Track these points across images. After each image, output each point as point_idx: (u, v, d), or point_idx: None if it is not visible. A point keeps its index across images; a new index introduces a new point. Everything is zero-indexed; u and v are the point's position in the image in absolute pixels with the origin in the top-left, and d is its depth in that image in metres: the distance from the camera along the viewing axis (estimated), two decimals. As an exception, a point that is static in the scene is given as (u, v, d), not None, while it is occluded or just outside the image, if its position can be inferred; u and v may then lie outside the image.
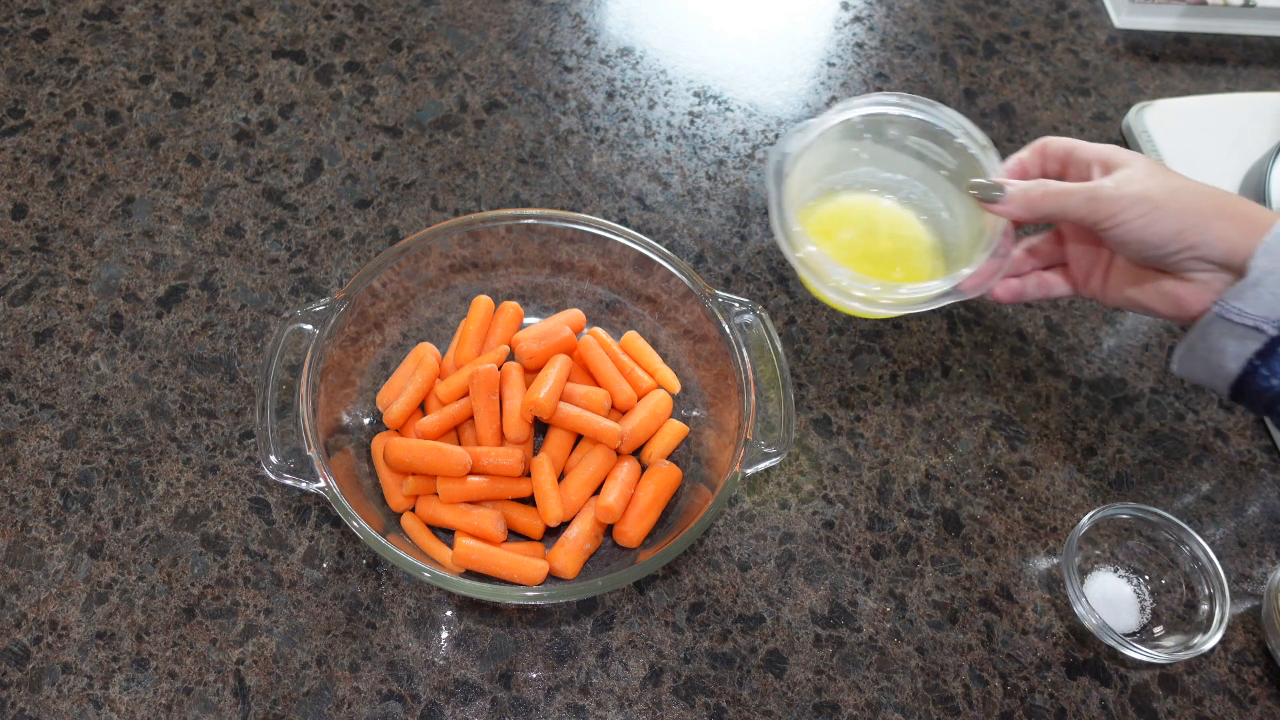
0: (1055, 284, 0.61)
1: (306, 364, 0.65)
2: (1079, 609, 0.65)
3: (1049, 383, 0.78)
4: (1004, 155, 0.90)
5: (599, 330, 0.73)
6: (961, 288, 0.60)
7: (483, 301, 0.74)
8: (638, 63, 0.94)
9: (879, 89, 0.94)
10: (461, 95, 0.90)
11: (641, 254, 0.71)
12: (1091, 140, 0.91)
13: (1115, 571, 0.69)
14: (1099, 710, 0.65)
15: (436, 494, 0.67)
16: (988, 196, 0.57)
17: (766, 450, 0.63)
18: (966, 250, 0.63)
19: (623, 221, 0.83)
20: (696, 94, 0.92)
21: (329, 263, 0.79)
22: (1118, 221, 0.52)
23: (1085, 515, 0.67)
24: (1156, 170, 0.52)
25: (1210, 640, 0.63)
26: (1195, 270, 0.51)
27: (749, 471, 0.62)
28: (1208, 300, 0.51)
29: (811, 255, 0.61)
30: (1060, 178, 0.58)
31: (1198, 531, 0.68)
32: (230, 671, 0.63)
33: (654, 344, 0.74)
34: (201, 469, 0.70)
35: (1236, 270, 0.49)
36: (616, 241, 0.72)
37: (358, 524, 0.60)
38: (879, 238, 0.66)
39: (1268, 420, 0.52)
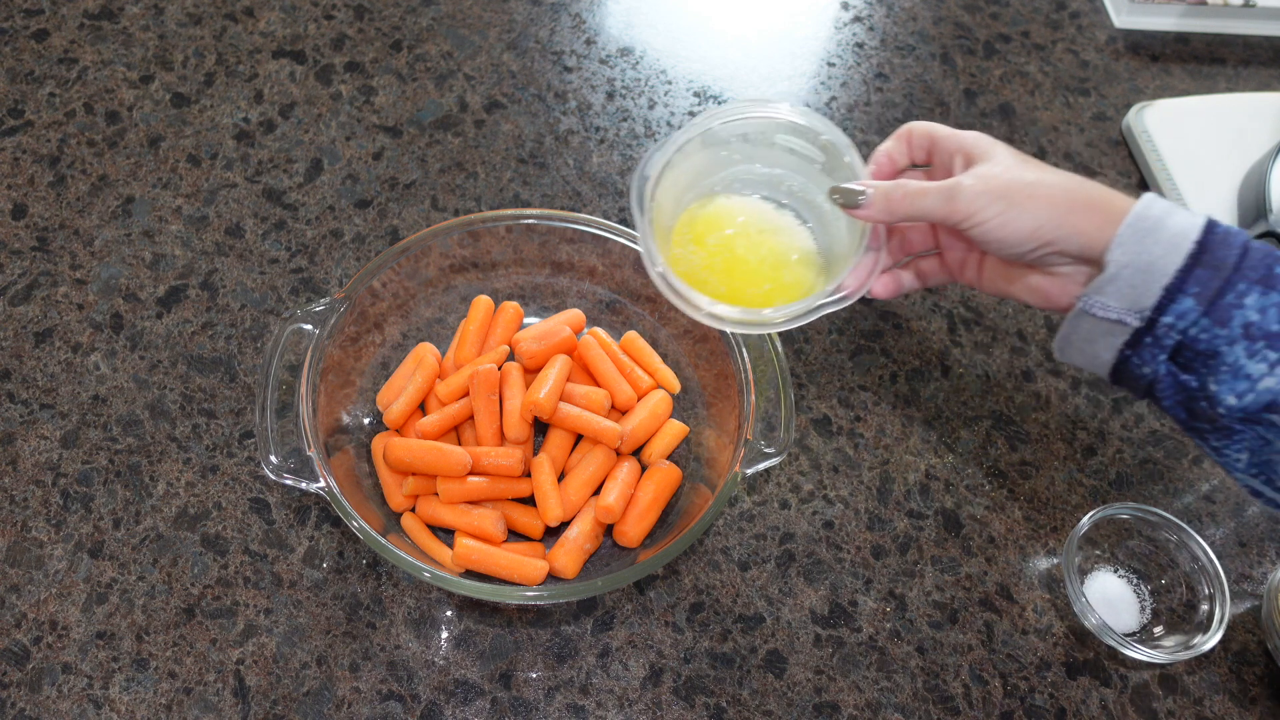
0: (932, 273, 0.59)
1: (306, 364, 0.65)
2: (1079, 609, 0.65)
3: (1049, 383, 0.78)
4: (1004, 155, 0.91)
5: (599, 330, 0.73)
6: (840, 293, 0.57)
7: (483, 301, 0.74)
8: (638, 63, 0.94)
9: (879, 89, 0.94)
10: (461, 95, 0.90)
11: (642, 254, 0.71)
12: (1091, 140, 0.91)
13: (1115, 571, 0.69)
14: (1099, 710, 0.65)
15: (436, 494, 0.67)
16: (850, 202, 0.55)
17: (766, 450, 0.63)
18: (846, 243, 0.60)
19: (623, 221, 0.83)
20: (696, 94, 0.92)
21: (329, 263, 0.79)
22: (975, 222, 0.50)
23: (1085, 515, 0.67)
24: (1015, 164, 0.50)
25: (1210, 640, 0.63)
26: (1057, 265, 0.51)
27: (749, 471, 0.62)
28: (1073, 293, 0.51)
29: (665, 276, 0.58)
30: (928, 165, 0.57)
31: (1198, 531, 0.68)
32: (230, 671, 0.63)
33: (654, 344, 0.74)
34: (201, 469, 0.70)
35: (1096, 263, 0.48)
36: (616, 241, 0.72)
37: (358, 524, 0.60)
38: (752, 245, 0.61)
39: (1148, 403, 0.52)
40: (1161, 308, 0.45)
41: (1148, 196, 0.47)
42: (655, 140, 0.88)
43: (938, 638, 0.67)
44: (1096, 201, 0.48)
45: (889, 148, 0.56)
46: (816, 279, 0.59)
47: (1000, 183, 0.49)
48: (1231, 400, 0.44)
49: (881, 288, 0.57)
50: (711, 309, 0.57)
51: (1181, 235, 0.45)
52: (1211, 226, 0.45)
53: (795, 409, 0.68)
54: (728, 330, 0.61)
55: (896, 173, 0.57)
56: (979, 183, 0.50)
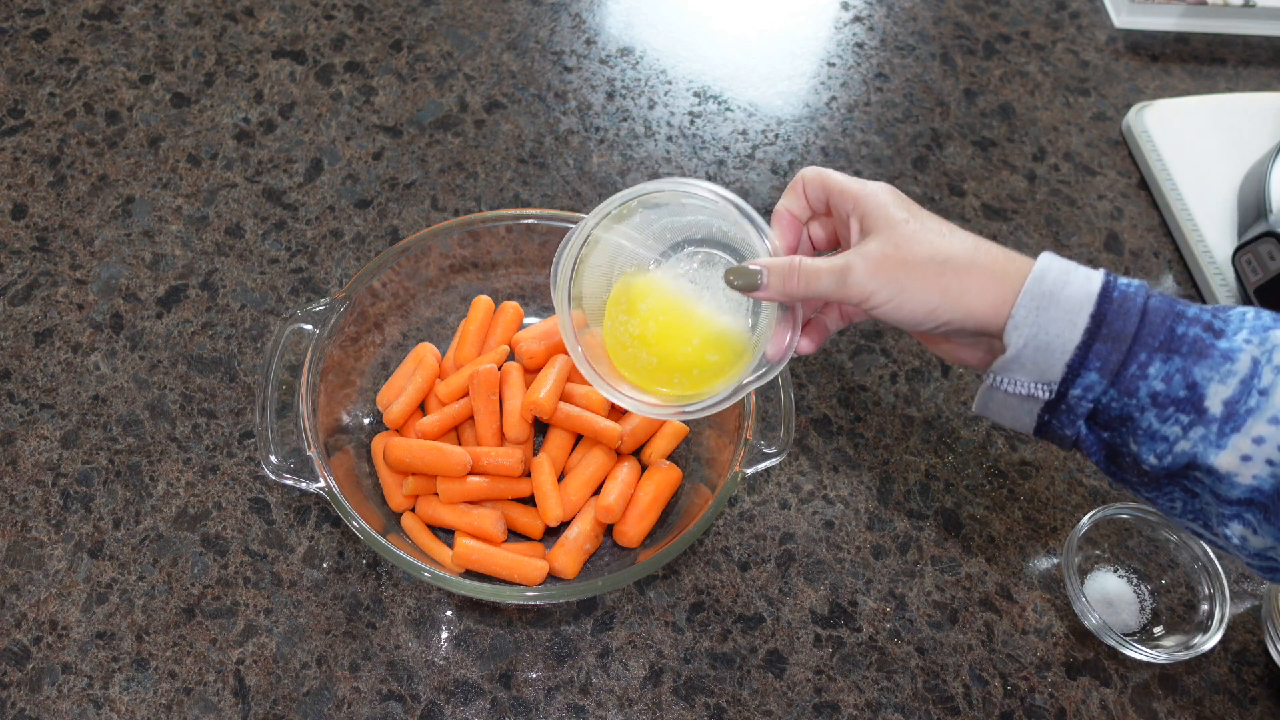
0: (854, 313, 0.55)
1: (306, 364, 0.65)
2: (1079, 609, 0.65)
3: (1049, 383, 0.77)
4: (1004, 155, 0.91)
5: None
6: (763, 369, 0.54)
7: (483, 301, 0.74)
8: (638, 63, 0.94)
9: (879, 89, 0.94)
10: (461, 95, 0.90)
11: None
12: (1091, 140, 0.91)
13: (1115, 571, 0.69)
14: (1099, 710, 0.65)
15: (436, 494, 0.67)
16: (749, 284, 0.51)
17: (766, 450, 0.63)
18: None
19: (623, 221, 0.83)
20: (696, 94, 0.92)
21: (329, 263, 0.79)
22: (870, 305, 0.48)
23: (1085, 515, 0.67)
24: (907, 236, 0.47)
25: (1210, 640, 0.63)
26: (959, 338, 0.50)
27: (749, 471, 0.62)
28: (982, 358, 0.50)
29: (581, 358, 0.57)
30: (829, 216, 0.54)
31: (1198, 531, 0.68)
32: (230, 671, 0.63)
33: (654, 344, 0.74)
34: (201, 469, 0.70)
35: (997, 333, 0.46)
36: (616, 241, 0.72)
37: (358, 524, 0.60)
38: (680, 311, 0.58)
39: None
40: (1068, 381, 0.43)
41: (1042, 261, 0.44)
42: (655, 140, 0.88)
43: (938, 638, 0.67)
44: (992, 273, 0.45)
45: (787, 204, 0.53)
46: (745, 337, 0.57)
47: (890, 264, 0.47)
48: (1153, 460, 0.42)
49: (807, 343, 0.54)
50: (633, 399, 0.56)
51: (1077, 308, 0.43)
52: (1107, 293, 0.43)
53: (795, 409, 0.68)
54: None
55: (800, 230, 0.54)
56: (868, 265, 0.47)
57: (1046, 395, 0.44)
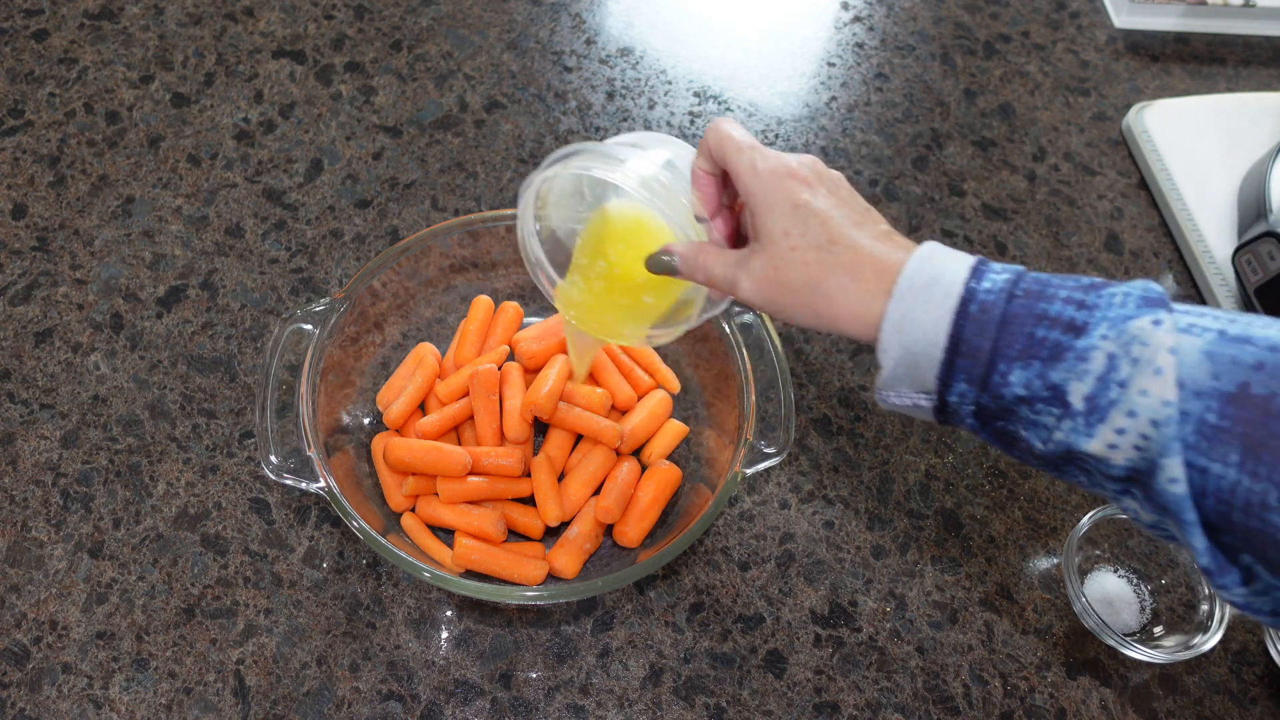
0: None
1: (306, 364, 0.65)
2: (1079, 609, 0.65)
3: (1049, 383, 0.77)
4: (1004, 155, 0.91)
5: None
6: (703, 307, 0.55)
7: (483, 301, 0.74)
8: (638, 63, 0.93)
9: (879, 89, 0.94)
10: (461, 95, 0.90)
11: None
12: (1091, 140, 0.91)
13: (1115, 571, 0.69)
14: (1099, 710, 0.65)
15: (436, 494, 0.67)
16: (667, 269, 0.53)
17: (766, 450, 0.63)
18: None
19: (623, 221, 0.83)
20: (696, 94, 0.92)
21: (329, 263, 0.79)
22: (763, 312, 0.51)
23: (1085, 515, 0.67)
24: (782, 259, 0.48)
25: (1210, 640, 0.63)
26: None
27: (749, 471, 0.62)
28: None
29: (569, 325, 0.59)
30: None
31: (1198, 531, 0.68)
32: (230, 671, 0.63)
33: (654, 344, 0.74)
34: (201, 469, 0.70)
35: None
36: (616, 241, 0.72)
37: (358, 524, 0.59)
38: (635, 255, 0.58)
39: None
40: (943, 391, 0.45)
41: (905, 274, 0.45)
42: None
43: (938, 638, 0.67)
44: (862, 295, 0.46)
45: (700, 164, 0.53)
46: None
47: (770, 285, 0.48)
48: (1040, 446, 0.43)
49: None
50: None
51: (935, 328, 0.44)
52: (964, 307, 0.43)
53: (795, 409, 0.68)
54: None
55: (718, 186, 0.53)
56: (751, 283, 0.49)
57: (931, 403, 0.46)
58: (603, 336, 0.60)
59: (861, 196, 0.50)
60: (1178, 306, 0.41)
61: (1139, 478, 0.42)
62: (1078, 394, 0.41)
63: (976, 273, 0.44)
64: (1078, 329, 0.41)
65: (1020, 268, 0.44)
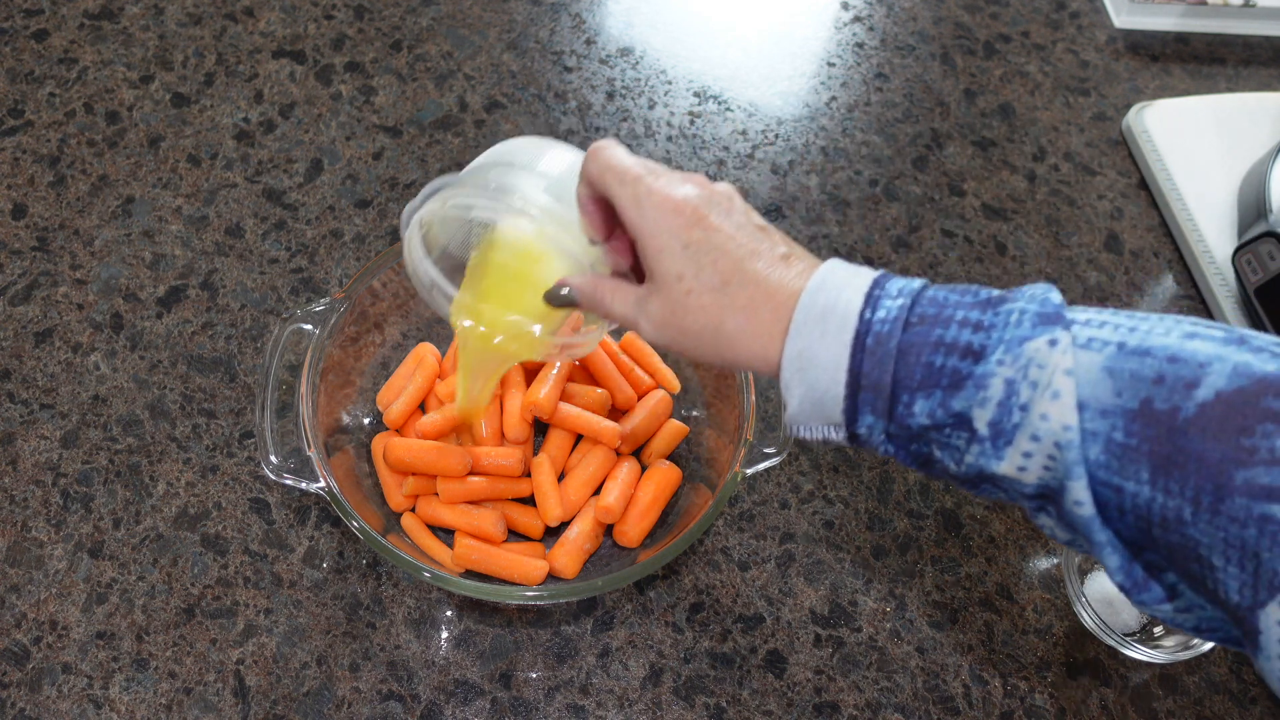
0: None
1: (306, 364, 0.65)
2: (1079, 609, 0.65)
3: (1049, 383, 0.77)
4: (1004, 155, 0.91)
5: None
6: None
7: (483, 301, 0.74)
8: (638, 63, 0.94)
9: (879, 89, 0.94)
10: (461, 95, 0.90)
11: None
12: (1091, 140, 0.91)
13: (1115, 571, 0.69)
14: (1099, 710, 0.65)
15: (436, 494, 0.67)
16: (566, 303, 0.51)
17: (766, 450, 0.63)
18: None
19: (623, 221, 0.83)
20: (696, 94, 0.92)
21: (329, 263, 0.79)
22: (668, 351, 0.49)
23: (1085, 515, 0.67)
24: (679, 303, 0.46)
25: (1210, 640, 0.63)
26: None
27: (749, 471, 0.62)
28: None
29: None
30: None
31: (1198, 531, 0.68)
32: (230, 671, 0.63)
33: (654, 344, 0.74)
34: (201, 469, 0.70)
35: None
36: (616, 241, 0.72)
37: (358, 524, 0.60)
38: (523, 278, 0.57)
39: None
40: (851, 424, 0.44)
41: (801, 306, 0.44)
42: (655, 140, 0.88)
43: (938, 638, 0.67)
44: (760, 334, 0.45)
45: (583, 190, 0.50)
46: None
47: (670, 329, 0.47)
48: (954, 467, 0.43)
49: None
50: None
51: (834, 364, 0.43)
52: (860, 340, 0.42)
53: (795, 409, 0.68)
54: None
55: (607, 210, 0.51)
56: (651, 326, 0.48)
57: (841, 436, 0.45)
58: (510, 345, 0.57)
59: (755, 211, 0.48)
60: (1078, 315, 0.41)
61: (1051, 495, 0.41)
62: (981, 420, 0.40)
63: (871, 299, 0.43)
64: (975, 354, 0.41)
65: (920, 283, 0.43)
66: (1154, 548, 0.39)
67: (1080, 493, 0.39)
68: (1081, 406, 0.39)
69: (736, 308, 0.45)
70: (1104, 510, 0.39)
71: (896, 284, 0.43)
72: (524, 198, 0.51)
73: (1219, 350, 0.37)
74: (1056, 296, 0.41)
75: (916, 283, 0.43)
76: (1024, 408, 0.39)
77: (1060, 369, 0.39)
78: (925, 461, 0.44)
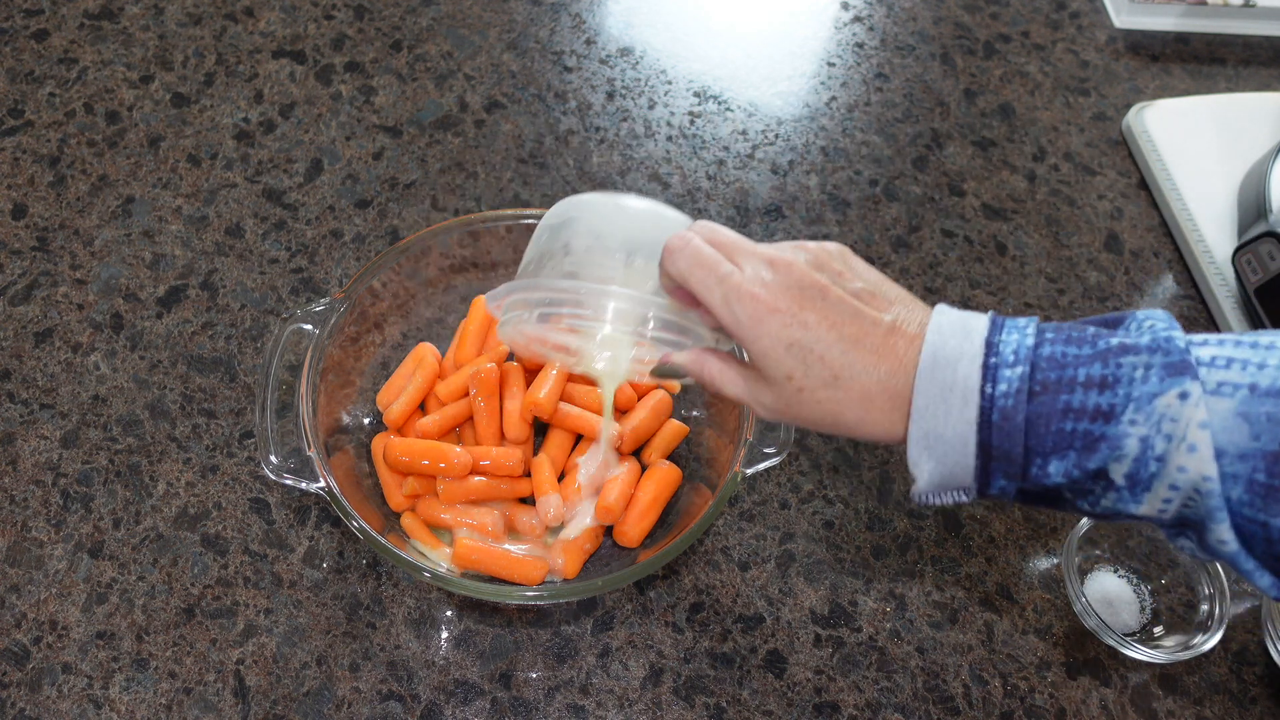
0: None
1: (306, 364, 0.65)
2: (1079, 609, 0.65)
3: (1049, 383, 0.77)
4: (1004, 155, 0.91)
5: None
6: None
7: (483, 301, 0.74)
8: (638, 63, 0.94)
9: (879, 89, 0.94)
10: (461, 95, 0.90)
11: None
12: (1091, 140, 0.91)
13: (1115, 571, 0.69)
14: (1099, 710, 0.65)
15: (436, 494, 0.67)
16: (672, 374, 0.51)
17: (766, 450, 0.63)
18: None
19: (623, 221, 0.83)
20: (696, 94, 0.92)
21: (329, 263, 0.79)
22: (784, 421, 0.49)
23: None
24: (793, 399, 0.46)
25: (1210, 640, 0.63)
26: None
27: (749, 471, 0.62)
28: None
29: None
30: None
31: (1198, 531, 0.68)
32: (230, 671, 0.63)
33: (654, 344, 0.74)
34: (201, 469, 0.70)
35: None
36: (616, 241, 0.72)
37: (358, 524, 0.59)
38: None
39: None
40: (983, 489, 0.44)
41: (919, 389, 0.43)
42: (655, 140, 0.88)
43: (938, 638, 0.67)
44: (884, 412, 0.45)
45: (665, 281, 0.50)
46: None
47: (788, 416, 0.47)
48: (1087, 508, 0.44)
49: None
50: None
51: (962, 442, 0.43)
52: (986, 418, 0.42)
53: (795, 409, 0.68)
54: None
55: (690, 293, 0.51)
56: (769, 412, 0.48)
57: (970, 498, 0.45)
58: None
59: (851, 267, 0.47)
60: (1203, 354, 0.40)
61: (1192, 526, 0.42)
62: (1118, 473, 0.41)
63: (989, 371, 0.42)
64: (1105, 414, 0.41)
65: (1033, 338, 0.43)
66: None
67: (1224, 533, 0.40)
68: (1219, 453, 0.39)
69: (851, 401, 0.45)
70: (1250, 542, 0.40)
71: (1010, 344, 0.43)
72: (610, 307, 0.50)
73: None
74: (1179, 338, 0.41)
75: (1030, 336, 0.43)
76: (1160, 459, 0.40)
77: (1194, 422, 0.39)
78: (1057, 506, 0.45)
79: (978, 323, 0.44)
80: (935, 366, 0.43)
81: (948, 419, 0.43)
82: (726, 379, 0.49)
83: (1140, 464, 0.40)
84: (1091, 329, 0.43)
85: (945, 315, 0.45)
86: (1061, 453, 0.42)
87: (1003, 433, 0.42)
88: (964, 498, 0.45)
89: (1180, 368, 0.40)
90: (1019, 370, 0.42)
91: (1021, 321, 0.44)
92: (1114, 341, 0.42)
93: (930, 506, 0.47)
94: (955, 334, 0.44)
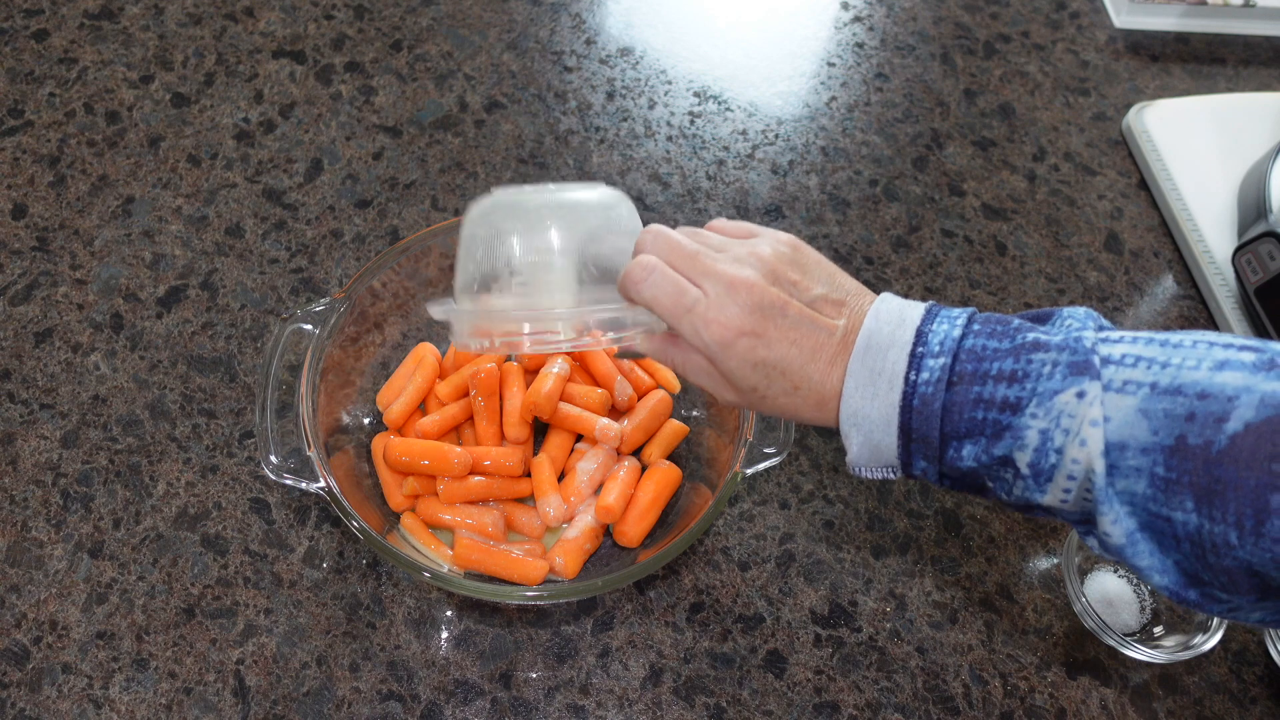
0: None
1: (306, 364, 0.65)
2: (1079, 609, 0.65)
3: (1049, 383, 0.77)
4: (1004, 155, 0.91)
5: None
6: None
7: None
8: (638, 63, 0.94)
9: (879, 89, 0.94)
10: (461, 95, 0.90)
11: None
12: (1091, 140, 0.91)
13: (1115, 571, 0.69)
14: (1099, 710, 0.65)
15: (436, 494, 0.67)
16: (636, 356, 0.55)
17: (766, 450, 0.63)
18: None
19: (623, 221, 0.83)
20: (696, 94, 0.92)
21: (329, 263, 0.79)
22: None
23: (1085, 515, 0.67)
24: (754, 404, 0.50)
25: (1210, 640, 0.63)
26: None
27: (749, 471, 0.62)
28: None
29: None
30: None
31: (1198, 531, 0.68)
32: (230, 671, 0.63)
33: (654, 344, 0.74)
34: (201, 469, 0.70)
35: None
36: (616, 241, 0.72)
37: (358, 524, 0.59)
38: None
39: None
40: (906, 467, 0.48)
41: (851, 372, 0.47)
42: (655, 140, 0.88)
43: (938, 638, 0.67)
44: (830, 405, 0.49)
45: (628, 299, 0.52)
46: None
47: (747, 408, 0.52)
48: (1004, 497, 0.46)
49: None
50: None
51: (886, 423, 0.46)
52: (907, 403, 0.45)
53: (795, 409, 0.68)
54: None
55: None
56: (725, 403, 0.52)
57: (898, 475, 0.49)
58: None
59: (807, 273, 0.49)
60: (1113, 352, 0.43)
61: (1090, 520, 0.44)
62: (1022, 461, 0.44)
63: (914, 360, 0.46)
64: (1012, 406, 0.44)
65: (961, 329, 0.46)
66: (1211, 573, 0.41)
67: (1108, 525, 0.42)
68: (1123, 446, 0.41)
69: (809, 404, 0.49)
70: (1161, 540, 0.42)
71: (939, 335, 0.46)
72: (568, 327, 0.52)
73: (1248, 380, 0.40)
74: (1089, 337, 0.43)
75: (959, 328, 0.46)
76: (1058, 451, 0.43)
77: (1087, 420, 0.42)
78: (978, 492, 0.48)
79: (913, 312, 0.47)
80: (868, 351, 0.47)
81: (874, 401, 0.47)
82: (690, 367, 0.52)
83: (1041, 454, 0.43)
84: (1016, 322, 0.46)
85: (886, 303, 0.48)
86: (974, 438, 0.45)
87: (921, 417, 0.46)
88: (892, 474, 0.49)
89: (1082, 367, 0.42)
90: (941, 361, 0.45)
91: (955, 312, 0.47)
92: (1030, 337, 0.45)
93: (866, 480, 0.51)
94: (890, 321, 0.47)
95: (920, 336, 0.46)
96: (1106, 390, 0.42)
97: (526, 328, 0.52)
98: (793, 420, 0.51)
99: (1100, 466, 0.41)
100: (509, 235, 0.53)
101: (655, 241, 0.51)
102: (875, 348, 0.47)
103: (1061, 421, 0.42)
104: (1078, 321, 0.45)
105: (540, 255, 0.53)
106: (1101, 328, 0.45)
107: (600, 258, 0.53)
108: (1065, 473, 0.43)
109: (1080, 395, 0.42)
